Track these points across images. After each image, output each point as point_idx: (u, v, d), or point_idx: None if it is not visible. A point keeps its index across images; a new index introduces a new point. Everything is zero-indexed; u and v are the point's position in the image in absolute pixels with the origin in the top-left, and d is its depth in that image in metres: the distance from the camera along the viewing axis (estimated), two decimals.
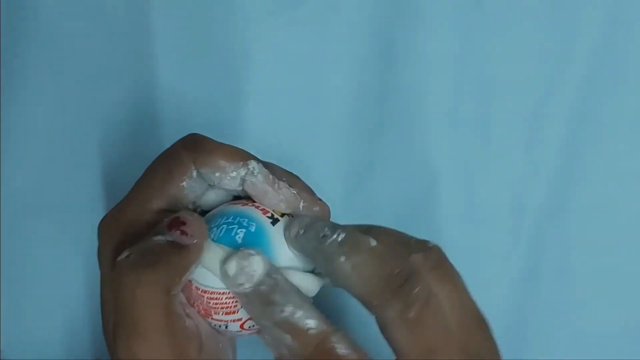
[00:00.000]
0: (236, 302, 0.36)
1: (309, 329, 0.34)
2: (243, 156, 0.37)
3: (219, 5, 0.51)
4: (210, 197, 0.39)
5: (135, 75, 0.51)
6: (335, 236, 0.35)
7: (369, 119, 0.52)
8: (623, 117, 0.51)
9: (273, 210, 0.38)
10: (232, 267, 0.35)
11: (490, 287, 0.51)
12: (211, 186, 0.38)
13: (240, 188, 0.38)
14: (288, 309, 0.34)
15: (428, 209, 0.52)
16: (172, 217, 0.35)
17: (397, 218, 0.52)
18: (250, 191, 0.37)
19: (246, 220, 0.37)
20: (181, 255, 0.34)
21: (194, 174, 0.37)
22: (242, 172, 0.37)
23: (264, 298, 0.34)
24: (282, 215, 0.38)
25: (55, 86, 0.51)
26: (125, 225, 0.37)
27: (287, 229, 0.37)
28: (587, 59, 0.51)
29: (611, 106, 0.51)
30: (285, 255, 0.37)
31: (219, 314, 0.36)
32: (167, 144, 0.51)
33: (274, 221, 0.37)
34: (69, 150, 0.51)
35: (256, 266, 0.34)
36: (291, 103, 0.52)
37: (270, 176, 0.37)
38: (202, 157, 0.36)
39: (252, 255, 0.35)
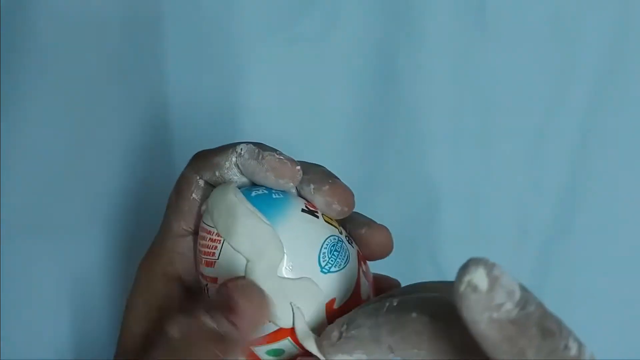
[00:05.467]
0: None
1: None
2: (232, 145, 0.35)
3: (217, 24, 0.51)
4: None
5: (135, 96, 0.51)
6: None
7: (369, 136, 0.52)
8: (628, 134, 0.51)
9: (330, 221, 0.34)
10: (482, 277, 0.25)
11: None
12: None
13: (241, 176, 0.35)
14: (574, 345, 0.26)
15: (429, 229, 0.51)
16: (222, 296, 0.30)
17: (398, 238, 0.51)
18: (244, 173, 0.34)
19: None
20: (223, 347, 0.30)
21: (201, 183, 0.35)
22: (233, 158, 0.34)
23: (541, 325, 0.25)
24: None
25: (55, 107, 0.50)
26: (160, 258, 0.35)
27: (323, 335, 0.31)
28: (590, 76, 0.51)
29: (615, 123, 0.51)
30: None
31: None
32: (163, 163, 0.51)
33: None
34: (67, 171, 0.50)
35: (508, 277, 0.25)
36: (290, 121, 0.51)
37: (256, 150, 0.34)
38: (200, 164, 0.35)
39: (495, 265, 0.25)
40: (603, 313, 0.51)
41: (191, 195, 0.35)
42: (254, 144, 0.34)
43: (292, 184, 0.34)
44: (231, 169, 0.35)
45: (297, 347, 0.32)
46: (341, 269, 0.33)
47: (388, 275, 0.37)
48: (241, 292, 0.30)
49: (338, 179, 0.35)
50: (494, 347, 0.24)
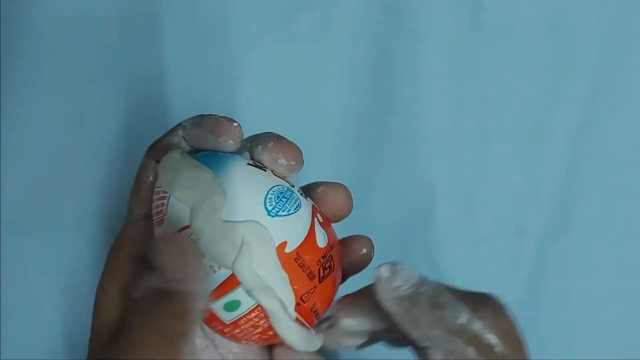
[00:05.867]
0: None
1: (493, 345, 0.31)
2: (177, 125, 0.36)
3: (214, 23, 0.51)
4: None
5: (133, 97, 0.51)
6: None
7: (366, 137, 0.51)
8: (624, 134, 0.51)
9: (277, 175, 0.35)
10: (386, 269, 0.32)
11: None
12: None
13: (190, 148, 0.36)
14: (464, 317, 0.31)
15: (426, 229, 0.51)
16: (155, 254, 0.31)
17: (395, 238, 0.51)
18: (191, 143, 0.35)
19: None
20: (174, 304, 0.30)
21: (156, 166, 0.36)
22: (180, 131, 0.35)
23: (432, 300, 0.32)
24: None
25: (54, 107, 0.50)
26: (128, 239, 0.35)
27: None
28: (587, 76, 0.51)
29: (612, 123, 0.51)
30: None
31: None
32: None
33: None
34: (66, 170, 0.50)
35: (410, 271, 0.32)
36: (287, 120, 0.51)
37: (197, 117, 0.35)
38: (153, 149, 0.36)
39: (398, 263, 0.33)
40: (599, 312, 0.51)
41: (148, 179, 0.36)
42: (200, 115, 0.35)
43: (232, 141, 0.34)
44: (181, 143, 0.35)
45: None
46: (290, 214, 0.33)
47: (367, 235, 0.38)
48: (163, 246, 0.30)
49: (285, 138, 0.36)
50: (398, 317, 0.32)
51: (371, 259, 0.37)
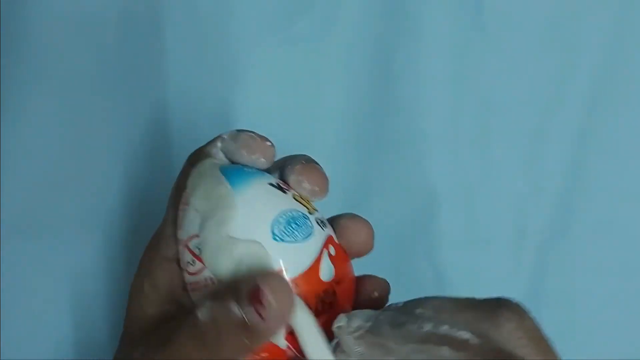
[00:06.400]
0: None
1: (466, 339, 0.30)
2: (219, 135, 0.36)
3: (215, 26, 0.51)
4: None
5: (134, 98, 0.50)
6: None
7: (366, 139, 0.51)
8: (626, 137, 0.50)
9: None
10: (342, 319, 0.31)
11: None
12: None
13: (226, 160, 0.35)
14: (428, 325, 0.30)
15: (427, 231, 0.51)
16: (254, 287, 0.30)
17: (396, 240, 0.51)
18: (227, 155, 0.35)
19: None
20: (250, 336, 0.31)
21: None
22: (219, 144, 0.35)
23: (391, 322, 0.31)
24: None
25: (54, 108, 0.50)
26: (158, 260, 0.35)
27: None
28: (588, 78, 0.50)
29: (613, 125, 0.50)
30: None
31: None
32: (162, 164, 0.50)
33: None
34: (66, 171, 0.50)
35: (362, 313, 0.31)
36: (288, 122, 0.51)
37: (235, 132, 0.35)
38: (194, 157, 0.36)
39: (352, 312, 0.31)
40: (601, 314, 0.51)
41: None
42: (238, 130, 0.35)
43: (263, 159, 0.34)
44: (218, 155, 0.35)
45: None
46: (297, 242, 0.32)
47: (385, 278, 0.36)
48: (270, 288, 0.30)
49: (316, 163, 0.36)
50: (369, 356, 0.31)
51: (384, 304, 0.35)
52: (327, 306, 0.33)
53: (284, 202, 0.33)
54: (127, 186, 0.50)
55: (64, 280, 0.49)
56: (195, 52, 0.51)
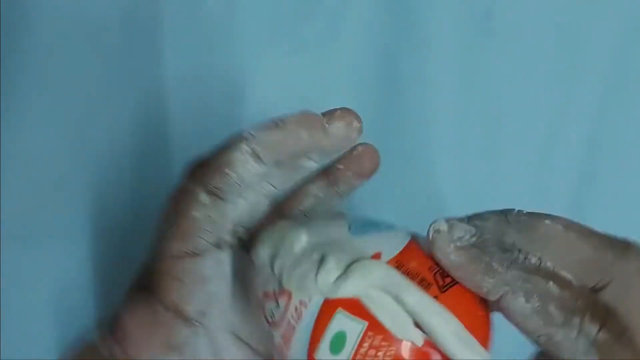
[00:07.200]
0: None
1: (569, 280, 0.30)
2: (234, 136, 0.32)
3: (218, 32, 0.50)
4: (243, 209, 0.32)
5: (134, 101, 0.50)
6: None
7: (374, 145, 0.50)
8: (636, 143, 0.50)
9: None
10: (442, 224, 0.31)
11: (500, 324, 0.49)
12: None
13: (261, 165, 0.32)
14: (534, 258, 0.31)
15: None
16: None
17: None
18: (265, 156, 0.31)
19: None
20: None
21: (202, 197, 0.32)
22: (245, 146, 0.31)
23: (499, 244, 0.31)
24: None
25: (53, 109, 0.49)
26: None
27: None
28: (598, 84, 0.50)
29: (624, 132, 0.50)
30: None
31: None
32: (163, 170, 0.50)
33: None
34: (65, 174, 0.49)
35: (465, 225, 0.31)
36: None
37: (266, 122, 0.31)
38: (203, 171, 0.32)
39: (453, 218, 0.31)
40: None
41: (191, 212, 0.32)
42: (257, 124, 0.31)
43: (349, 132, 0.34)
44: (247, 162, 0.31)
45: (358, 318, 0.29)
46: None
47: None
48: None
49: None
50: (466, 269, 0.30)
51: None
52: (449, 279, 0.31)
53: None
54: (126, 191, 0.49)
55: (62, 284, 0.48)
56: (199, 58, 0.50)
